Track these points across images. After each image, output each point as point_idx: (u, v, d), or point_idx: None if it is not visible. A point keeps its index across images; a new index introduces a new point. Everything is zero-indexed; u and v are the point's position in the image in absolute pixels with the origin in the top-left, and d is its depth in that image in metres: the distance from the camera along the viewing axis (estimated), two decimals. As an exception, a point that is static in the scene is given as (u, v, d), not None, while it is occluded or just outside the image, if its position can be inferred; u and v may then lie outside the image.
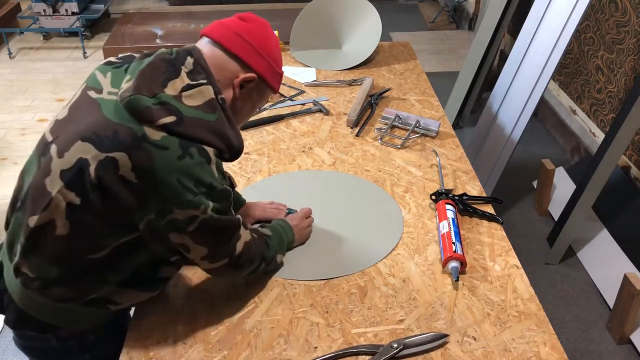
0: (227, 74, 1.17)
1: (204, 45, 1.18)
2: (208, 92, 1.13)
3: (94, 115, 1.09)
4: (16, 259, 1.15)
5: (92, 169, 1.04)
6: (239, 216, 1.22)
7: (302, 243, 1.46)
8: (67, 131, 1.10)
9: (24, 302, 1.19)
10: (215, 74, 1.15)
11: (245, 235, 1.21)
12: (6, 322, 1.24)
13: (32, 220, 1.10)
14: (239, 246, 1.19)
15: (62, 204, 1.07)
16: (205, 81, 1.13)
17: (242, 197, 1.53)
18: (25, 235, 1.12)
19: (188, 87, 1.10)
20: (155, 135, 1.05)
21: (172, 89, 1.09)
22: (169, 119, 1.06)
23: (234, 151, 1.16)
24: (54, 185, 1.08)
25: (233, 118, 1.17)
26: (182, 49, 1.17)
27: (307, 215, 1.50)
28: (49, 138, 1.13)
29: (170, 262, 1.22)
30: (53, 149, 1.10)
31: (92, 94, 1.13)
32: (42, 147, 1.14)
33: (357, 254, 1.43)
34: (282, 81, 2.25)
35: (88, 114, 1.10)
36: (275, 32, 2.58)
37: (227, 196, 1.14)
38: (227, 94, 1.18)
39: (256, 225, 1.43)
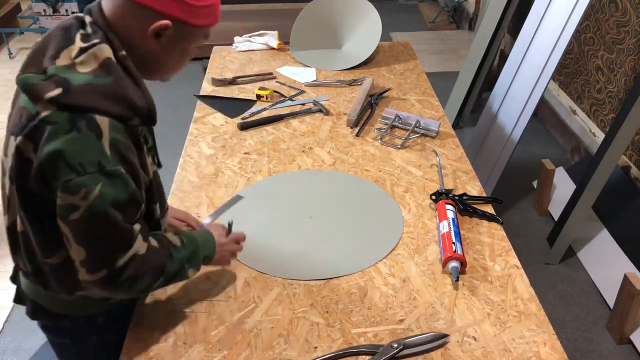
0: (137, 26, 1.04)
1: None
2: (102, 52, 1.02)
3: (15, 107, 1.08)
4: (12, 256, 1.19)
5: (16, 163, 1.03)
6: (136, 225, 1.06)
7: (220, 265, 1.33)
8: (7, 129, 1.10)
9: (34, 295, 1.23)
10: (123, 29, 1.05)
11: (138, 246, 1.06)
12: (26, 313, 1.28)
13: (5, 221, 1.14)
14: (124, 258, 1.04)
15: (15, 201, 1.08)
16: (98, 40, 1.03)
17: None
18: (8, 235, 1.16)
19: (81, 52, 1.01)
20: (46, 111, 0.98)
21: (65, 58, 1.01)
22: (55, 92, 0.98)
23: (141, 113, 1.04)
24: (6, 184, 1.11)
25: (139, 76, 1.07)
26: (85, 8, 1.10)
27: (239, 239, 1.32)
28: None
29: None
30: (1, 148, 1.09)
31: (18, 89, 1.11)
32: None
33: (357, 254, 1.43)
34: (282, 81, 2.25)
35: (14, 108, 1.09)
36: (275, 32, 2.59)
37: (122, 181, 1.01)
38: (144, 48, 1.07)
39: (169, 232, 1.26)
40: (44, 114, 0.98)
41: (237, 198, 1.60)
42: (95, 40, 1.03)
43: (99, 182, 0.98)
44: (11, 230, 1.14)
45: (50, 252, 1.09)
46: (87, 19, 1.06)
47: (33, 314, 1.26)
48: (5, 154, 1.08)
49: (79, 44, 1.02)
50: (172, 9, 1.03)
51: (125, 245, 1.04)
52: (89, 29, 1.04)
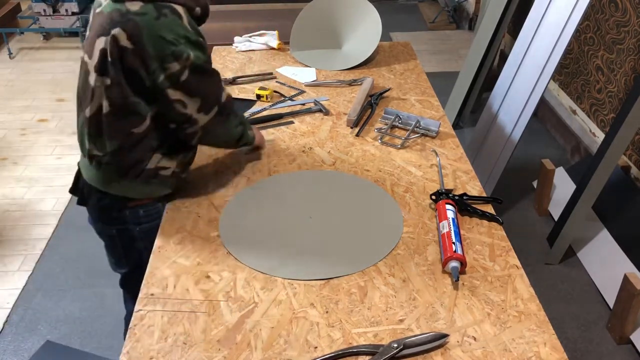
0: None
1: None
2: None
3: (99, 18, 1.38)
4: (87, 147, 1.49)
5: (107, 51, 1.34)
6: (217, 71, 1.46)
7: (258, 146, 1.78)
8: (88, 40, 1.41)
9: (101, 183, 1.53)
10: None
11: (227, 89, 1.51)
12: (90, 208, 1.63)
13: (88, 111, 1.44)
14: (224, 95, 1.48)
15: (101, 89, 1.38)
16: None
17: None
18: (88, 125, 1.46)
19: None
20: (135, 6, 1.33)
21: None
22: None
23: (202, 4, 1.42)
24: (92, 78, 1.40)
25: None
26: None
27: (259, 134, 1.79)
28: (82, 54, 1.45)
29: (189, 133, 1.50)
30: (85, 57, 1.41)
31: (97, 9, 1.42)
32: (81, 63, 1.45)
33: (357, 254, 1.43)
34: (282, 81, 2.25)
35: (96, 21, 1.40)
36: (275, 32, 2.59)
37: (203, 47, 1.39)
38: None
39: None
40: (134, 9, 1.32)
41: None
42: None
43: (190, 48, 1.35)
44: (95, 118, 1.43)
45: (139, 122, 1.42)
46: None
47: (98, 201, 1.57)
48: (90, 56, 1.39)
49: None
50: None
51: (221, 85, 1.48)
52: None
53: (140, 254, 1.62)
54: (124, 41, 1.32)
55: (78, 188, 1.65)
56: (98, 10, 1.42)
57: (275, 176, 1.71)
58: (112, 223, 1.63)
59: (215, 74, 1.46)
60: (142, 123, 1.43)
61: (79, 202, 1.66)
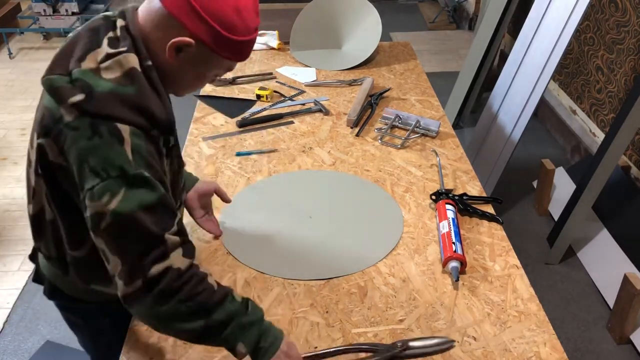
0: (162, 35, 1.03)
1: (150, 3, 1.05)
2: (127, 61, 1.01)
3: (41, 103, 1.08)
4: (34, 242, 1.23)
5: (40, 158, 1.05)
6: (173, 237, 1.01)
7: None
8: (34, 121, 1.11)
9: (53, 277, 1.27)
10: (151, 35, 1.04)
11: (175, 259, 1.00)
12: (44, 292, 1.32)
13: (30, 209, 1.17)
14: (158, 266, 0.98)
15: (42, 193, 1.10)
16: (125, 49, 1.02)
17: (193, 176, 1.43)
18: (30, 223, 1.19)
19: (107, 58, 1.01)
20: (69, 116, 0.98)
21: (91, 61, 1.01)
22: (79, 97, 0.98)
23: (161, 125, 1.03)
24: (31, 175, 1.13)
25: (162, 88, 1.05)
26: (120, 9, 1.08)
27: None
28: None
29: None
30: (33, 133, 1.10)
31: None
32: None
33: (357, 254, 1.43)
34: (282, 81, 2.25)
35: (40, 102, 1.09)
36: (275, 32, 2.59)
37: (147, 184, 0.99)
38: (163, 58, 1.05)
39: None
40: (67, 119, 0.98)
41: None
42: (123, 48, 1.02)
43: (123, 185, 0.97)
44: (37, 218, 1.16)
45: (77, 244, 1.12)
46: (120, 22, 1.05)
47: (50, 294, 1.30)
48: (32, 146, 1.09)
49: (105, 48, 1.02)
50: (201, 32, 1.01)
51: (159, 253, 0.99)
52: (118, 33, 1.03)
53: (109, 343, 1.35)
54: (55, 156, 1.02)
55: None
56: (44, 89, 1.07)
57: (275, 176, 1.71)
58: (72, 312, 1.35)
59: (152, 233, 0.98)
60: (81, 246, 1.13)
61: (34, 279, 1.35)
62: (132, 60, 1.02)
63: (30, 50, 4.87)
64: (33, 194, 1.13)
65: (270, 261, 1.40)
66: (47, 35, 5.05)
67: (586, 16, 3.23)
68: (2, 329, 2.34)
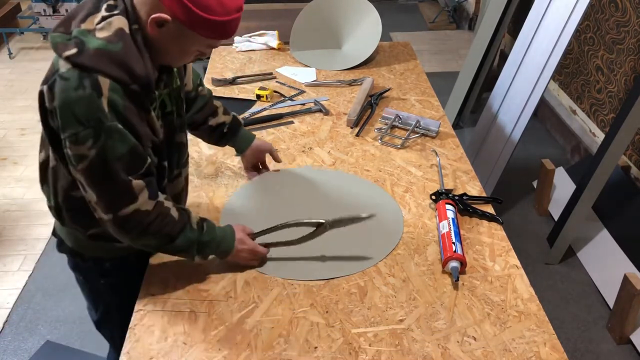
0: (147, 9, 1.13)
1: None
2: (118, 22, 1.12)
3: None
4: (42, 190, 1.34)
5: (40, 105, 1.17)
6: (140, 181, 1.16)
7: (236, 264, 1.37)
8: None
9: (58, 229, 1.40)
10: (141, 7, 1.13)
11: (144, 203, 1.17)
12: (56, 245, 1.45)
13: (39, 157, 1.29)
14: (127, 209, 1.16)
15: (46, 139, 1.22)
16: (117, 12, 1.13)
17: (250, 134, 1.67)
18: (39, 169, 1.31)
19: (102, 20, 1.13)
20: (64, 67, 1.10)
21: (89, 23, 1.13)
22: (72, 50, 1.09)
23: (140, 81, 1.12)
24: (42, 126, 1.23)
25: (144, 50, 1.14)
26: None
27: (257, 253, 1.38)
28: None
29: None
30: None
31: None
32: None
33: (357, 254, 1.43)
34: (282, 81, 2.25)
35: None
36: (275, 32, 2.59)
37: (119, 135, 1.11)
38: (149, 30, 1.14)
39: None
40: (61, 70, 1.10)
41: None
42: (116, 12, 1.13)
43: (100, 134, 1.09)
44: (43, 165, 1.29)
45: (75, 185, 1.22)
46: None
47: (58, 246, 1.43)
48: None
49: (102, 12, 1.13)
50: (176, 10, 1.11)
51: (127, 197, 1.16)
52: (115, 2, 1.15)
53: (107, 307, 1.49)
54: (49, 102, 1.13)
55: None
56: None
57: (275, 172, 1.71)
58: (75, 268, 1.47)
59: (122, 181, 1.14)
60: (78, 188, 1.22)
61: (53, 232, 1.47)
62: (122, 23, 1.13)
63: (30, 50, 4.87)
64: (42, 142, 1.28)
65: (270, 261, 1.40)
66: (47, 35, 5.05)
67: (586, 16, 3.23)
68: (2, 329, 2.34)
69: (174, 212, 1.23)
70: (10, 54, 4.71)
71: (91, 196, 1.16)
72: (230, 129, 1.63)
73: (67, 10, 4.71)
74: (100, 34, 1.11)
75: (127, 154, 1.13)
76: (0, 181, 3.20)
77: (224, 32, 1.15)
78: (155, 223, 1.20)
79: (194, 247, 1.27)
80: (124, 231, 1.19)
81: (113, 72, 1.09)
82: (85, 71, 1.08)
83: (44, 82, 1.15)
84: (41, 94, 1.15)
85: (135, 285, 1.36)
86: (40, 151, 1.29)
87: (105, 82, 1.09)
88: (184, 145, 1.40)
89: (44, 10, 4.70)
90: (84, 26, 1.12)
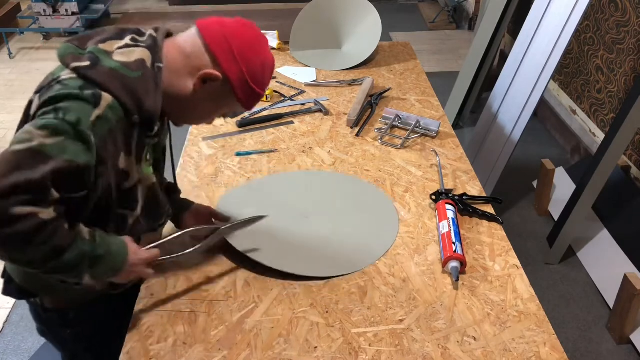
0: (196, 63, 1.13)
1: (189, 32, 1.16)
2: (141, 53, 1.09)
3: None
4: None
5: (22, 118, 1.10)
6: (56, 196, 0.98)
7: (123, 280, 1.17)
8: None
9: (8, 266, 1.25)
10: (184, 59, 1.13)
11: (44, 211, 0.96)
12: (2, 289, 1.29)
13: None
14: (23, 209, 0.93)
15: None
16: (144, 45, 1.11)
17: (188, 201, 1.45)
18: None
19: (124, 47, 1.10)
20: (67, 75, 1.05)
21: (108, 45, 1.10)
22: (83, 63, 1.05)
23: (145, 114, 1.08)
24: None
25: (161, 89, 1.10)
26: (154, 27, 1.18)
27: (151, 261, 1.21)
28: None
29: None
30: None
31: None
32: None
33: (351, 255, 1.42)
34: (282, 81, 2.25)
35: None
36: (275, 32, 2.59)
37: (85, 148, 0.99)
38: (189, 83, 1.13)
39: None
40: (63, 77, 1.05)
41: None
42: (142, 45, 1.11)
43: (66, 133, 0.98)
44: None
45: None
46: (150, 31, 1.15)
47: (4, 289, 1.27)
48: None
49: (126, 41, 1.11)
50: (231, 71, 1.13)
51: (34, 198, 0.95)
52: (144, 37, 1.13)
53: (74, 353, 1.39)
54: (34, 109, 1.05)
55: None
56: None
57: (270, 176, 1.71)
58: (38, 320, 1.33)
59: (45, 184, 0.95)
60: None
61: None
62: (145, 55, 1.09)
63: (30, 50, 4.86)
64: None
65: (265, 255, 1.39)
66: (47, 35, 5.05)
67: (586, 16, 3.23)
68: (2, 329, 2.34)
69: (66, 225, 1.02)
70: (10, 54, 4.71)
71: None
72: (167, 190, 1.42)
73: (67, 10, 4.72)
74: (118, 57, 1.08)
75: (74, 167, 0.98)
76: (0, 181, 3.19)
77: (255, 103, 1.20)
78: (47, 234, 0.97)
79: (84, 262, 1.05)
80: (6, 240, 0.94)
81: (121, 96, 1.04)
82: (91, 84, 1.03)
83: (35, 92, 1.08)
84: (29, 103, 1.07)
85: (109, 333, 1.28)
86: None
87: (106, 99, 1.03)
88: (157, 204, 1.26)
89: (44, 10, 4.70)
90: (102, 46, 1.09)
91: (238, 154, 1.80)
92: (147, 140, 1.15)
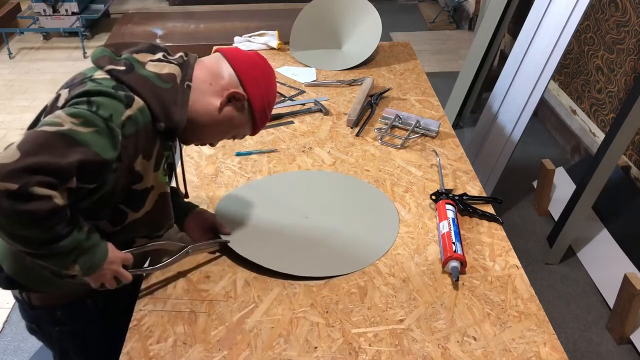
0: (223, 83, 1.21)
1: (214, 56, 1.25)
2: (172, 69, 1.17)
3: (78, 73, 1.18)
4: None
5: (47, 109, 1.13)
6: (74, 182, 0.99)
7: (92, 282, 1.16)
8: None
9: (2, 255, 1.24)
10: (210, 78, 1.21)
11: (59, 196, 0.97)
12: None
13: None
14: (42, 191, 0.95)
15: None
16: (175, 63, 1.18)
17: (193, 204, 1.46)
18: None
19: (157, 60, 1.17)
20: (100, 75, 1.11)
21: (142, 57, 1.17)
22: (119, 67, 1.12)
23: (170, 124, 1.13)
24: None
25: (186, 103, 1.17)
26: (184, 52, 1.25)
27: (127, 262, 1.20)
28: None
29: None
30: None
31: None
32: None
33: (350, 255, 1.42)
34: (282, 81, 2.25)
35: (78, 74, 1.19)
36: (275, 32, 2.59)
37: (113, 142, 1.03)
38: (215, 101, 1.21)
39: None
40: (96, 76, 1.10)
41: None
42: (174, 62, 1.18)
43: (99, 127, 1.02)
44: None
45: None
46: (180, 54, 1.23)
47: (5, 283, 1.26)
48: (45, 107, 1.16)
49: (158, 56, 1.19)
50: (255, 94, 1.23)
51: (54, 181, 0.96)
52: (175, 56, 1.21)
53: (64, 351, 1.39)
54: (61, 101, 1.08)
55: None
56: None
57: (270, 177, 1.71)
58: (26, 317, 1.35)
59: (70, 170, 0.98)
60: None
61: None
62: (176, 71, 1.17)
63: (30, 50, 4.87)
64: None
65: (264, 255, 1.39)
66: (47, 35, 5.05)
67: (586, 16, 3.23)
68: (2, 329, 2.34)
69: (68, 212, 1.03)
70: (10, 54, 4.71)
71: (7, 155, 0.94)
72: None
73: (66, 10, 4.72)
74: (150, 68, 1.14)
75: (103, 161, 1.02)
76: (0, 181, 3.20)
77: (261, 127, 1.30)
78: (55, 217, 0.99)
79: (76, 251, 1.06)
80: (12, 208, 0.93)
81: (152, 102, 1.11)
82: (124, 87, 1.09)
83: (65, 87, 1.12)
84: (57, 96, 1.10)
85: (98, 331, 1.30)
86: None
87: (138, 102, 1.09)
88: (163, 214, 1.27)
89: (44, 10, 4.70)
90: (136, 56, 1.16)
91: (238, 154, 1.80)
92: (166, 151, 1.20)
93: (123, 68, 1.12)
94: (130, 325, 1.24)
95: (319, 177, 1.71)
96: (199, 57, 1.26)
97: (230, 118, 1.24)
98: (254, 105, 1.24)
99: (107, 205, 1.15)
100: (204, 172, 1.72)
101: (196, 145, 1.32)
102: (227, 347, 1.19)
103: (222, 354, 1.18)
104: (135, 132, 1.09)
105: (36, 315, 1.33)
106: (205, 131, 1.24)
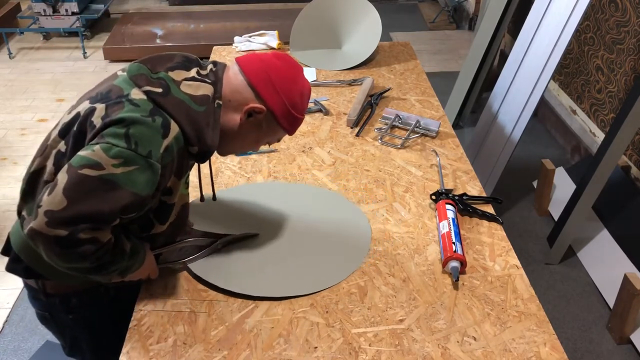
0: (240, 98, 1.21)
1: (232, 69, 1.25)
2: (206, 89, 1.18)
3: (108, 83, 1.19)
4: (19, 202, 1.24)
5: (78, 118, 1.14)
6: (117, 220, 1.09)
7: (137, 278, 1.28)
8: (84, 96, 1.21)
9: (18, 246, 1.27)
10: (229, 95, 1.21)
11: (104, 234, 1.08)
12: (5, 267, 1.32)
13: (32, 166, 1.21)
14: (88, 234, 1.05)
15: (53, 151, 1.17)
16: (209, 81, 1.19)
17: None
18: (26, 180, 1.21)
19: (191, 79, 1.17)
20: (137, 95, 1.12)
21: (177, 75, 1.17)
22: (156, 89, 1.13)
23: (203, 147, 1.17)
24: (52, 134, 1.19)
25: (219, 125, 1.20)
26: (213, 60, 1.26)
27: (153, 273, 1.32)
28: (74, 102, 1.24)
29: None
30: (68, 109, 1.22)
31: (119, 72, 1.22)
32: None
33: (322, 268, 1.37)
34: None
35: (105, 83, 1.20)
36: (275, 32, 2.59)
37: (153, 178, 1.08)
38: (235, 117, 1.22)
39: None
40: (133, 96, 1.11)
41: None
42: (207, 81, 1.19)
43: (139, 165, 1.07)
44: (34, 175, 1.19)
45: None
46: (211, 66, 1.23)
47: (9, 265, 1.30)
48: (69, 112, 1.18)
49: (192, 73, 1.19)
50: (274, 103, 1.21)
51: (99, 224, 1.06)
52: (206, 72, 1.21)
53: (75, 339, 1.42)
54: (96, 118, 1.10)
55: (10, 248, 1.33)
56: (120, 72, 1.21)
57: (234, 188, 1.71)
58: (39, 305, 1.38)
59: (114, 213, 1.06)
60: None
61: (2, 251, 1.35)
62: (209, 91, 1.18)
63: (30, 50, 4.86)
64: (43, 152, 1.19)
65: (223, 275, 1.34)
66: (47, 35, 5.05)
67: (586, 16, 3.23)
68: (2, 329, 2.34)
69: (113, 239, 1.14)
70: (10, 54, 4.71)
71: (54, 202, 1.02)
72: None
73: (66, 10, 4.72)
74: (185, 89, 1.16)
75: (141, 198, 1.09)
76: (0, 181, 3.19)
77: (295, 128, 1.28)
78: (101, 251, 1.10)
79: (120, 269, 1.19)
80: (62, 251, 1.05)
81: (186, 127, 1.13)
82: (161, 109, 1.11)
83: (99, 100, 1.13)
84: (91, 110, 1.12)
85: (111, 319, 1.34)
86: (37, 157, 1.20)
87: (174, 129, 1.12)
88: (184, 222, 1.36)
89: (44, 10, 4.70)
90: (171, 74, 1.17)
91: (238, 154, 1.80)
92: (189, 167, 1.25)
93: (160, 90, 1.13)
94: (130, 325, 1.24)
95: (293, 189, 1.65)
96: (226, 66, 1.26)
97: (256, 130, 1.25)
98: (275, 114, 1.23)
99: (141, 217, 1.21)
100: (204, 172, 1.72)
101: (234, 154, 1.34)
102: (227, 347, 1.19)
103: (222, 354, 1.18)
104: (171, 160, 1.13)
105: (50, 303, 1.34)
106: (234, 144, 1.27)
